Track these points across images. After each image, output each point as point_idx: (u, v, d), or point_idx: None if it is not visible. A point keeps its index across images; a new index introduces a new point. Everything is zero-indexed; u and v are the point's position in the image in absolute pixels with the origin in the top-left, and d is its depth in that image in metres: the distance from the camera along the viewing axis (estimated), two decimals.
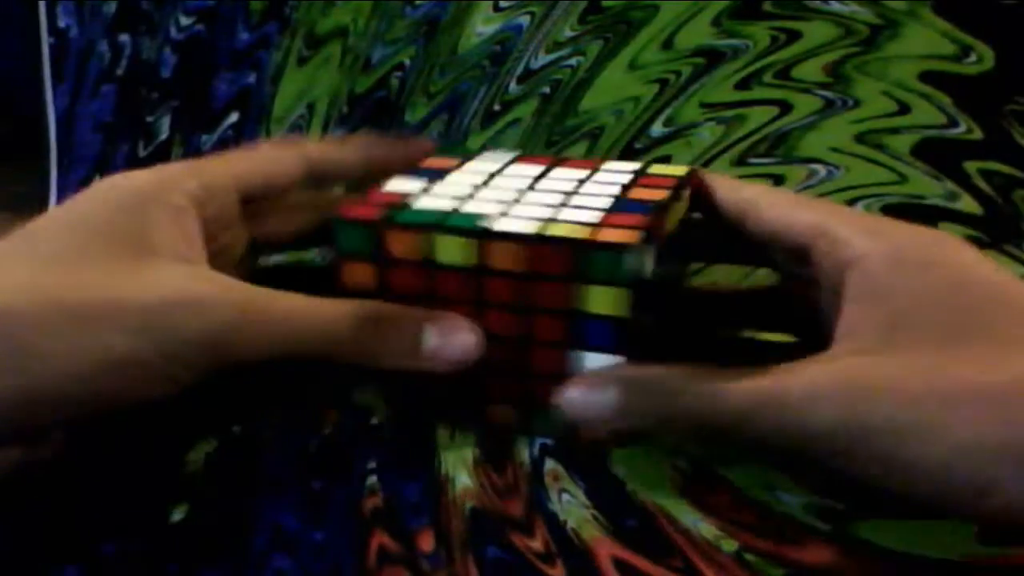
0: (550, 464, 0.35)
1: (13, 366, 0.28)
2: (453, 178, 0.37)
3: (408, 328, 0.32)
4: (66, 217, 0.32)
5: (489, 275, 0.32)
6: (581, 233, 0.32)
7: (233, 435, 0.38)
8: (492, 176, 0.37)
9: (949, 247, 0.31)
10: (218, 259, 0.34)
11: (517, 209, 0.34)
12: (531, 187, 0.36)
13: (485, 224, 0.32)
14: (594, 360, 0.32)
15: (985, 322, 0.29)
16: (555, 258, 0.31)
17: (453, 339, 0.32)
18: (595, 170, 0.38)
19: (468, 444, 0.36)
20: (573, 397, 0.31)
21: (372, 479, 0.34)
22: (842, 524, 0.32)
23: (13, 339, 0.28)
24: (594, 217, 0.33)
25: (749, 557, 0.30)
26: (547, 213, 0.33)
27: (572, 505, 0.32)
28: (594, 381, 0.32)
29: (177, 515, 0.33)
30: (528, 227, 0.32)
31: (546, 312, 0.32)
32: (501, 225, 0.32)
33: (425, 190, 0.35)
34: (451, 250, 0.32)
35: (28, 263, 0.30)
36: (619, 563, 0.30)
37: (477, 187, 0.36)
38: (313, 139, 0.40)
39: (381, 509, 0.32)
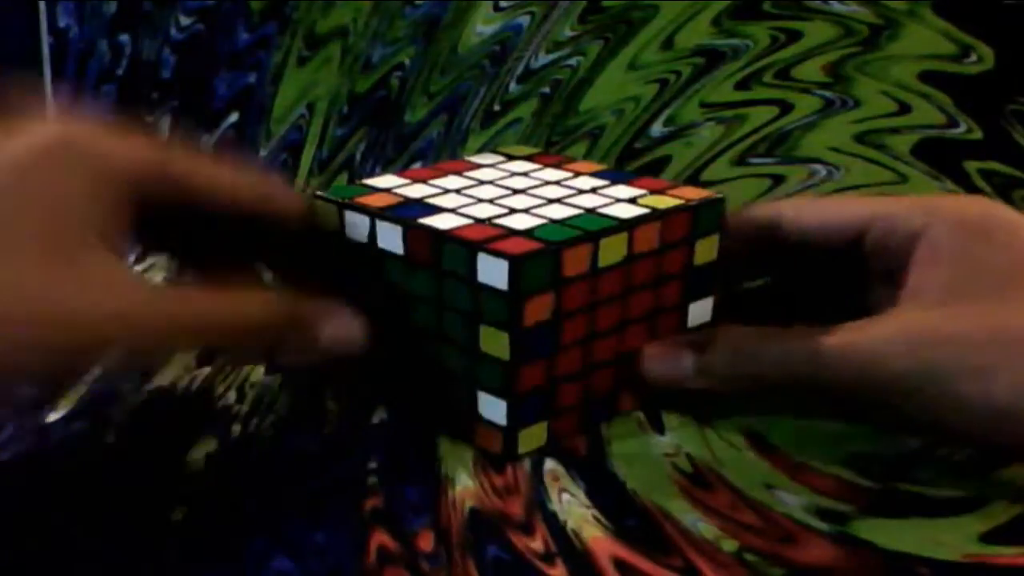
0: (550, 464, 0.35)
1: None
2: (484, 191, 0.38)
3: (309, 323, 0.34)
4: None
5: (635, 261, 0.35)
6: (694, 195, 0.37)
7: (233, 435, 0.38)
8: (507, 179, 0.39)
9: (1000, 212, 0.35)
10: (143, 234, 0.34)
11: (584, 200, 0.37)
12: (556, 184, 0.39)
13: (618, 217, 0.35)
14: (697, 309, 0.38)
15: None
16: (681, 223, 0.36)
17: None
18: (562, 168, 0.41)
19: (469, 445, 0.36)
20: (654, 361, 0.36)
21: (372, 479, 0.34)
22: (842, 524, 0.32)
23: None
24: (650, 189, 0.37)
25: (749, 557, 0.30)
26: (598, 199, 0.37)
27: (572, 505, 0.32)
28: (671, 345, 0.36)
29: (177, 515, 0.33)
30: (631, 210, 0.35)
31: (671, 277, 0.36)
32: (628, 213, 0.35)
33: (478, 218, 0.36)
34: (613, 249, 0.34)
35: None
36: (619, 563, 0.30)
37: (515, 192, 0.37)
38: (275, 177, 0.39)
39: (381, 509, 0.32)
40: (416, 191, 0.37)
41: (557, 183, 0.38)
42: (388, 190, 0.37)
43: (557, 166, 0.40)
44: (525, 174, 0.39)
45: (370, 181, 0.38)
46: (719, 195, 0.37)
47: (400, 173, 0.39)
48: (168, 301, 0.32)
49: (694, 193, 0.37)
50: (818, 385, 0.33)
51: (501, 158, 0.41)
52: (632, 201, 0.36)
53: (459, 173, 0.39)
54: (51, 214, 0.30)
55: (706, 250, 0.37)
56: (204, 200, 0.34)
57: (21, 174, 0.30)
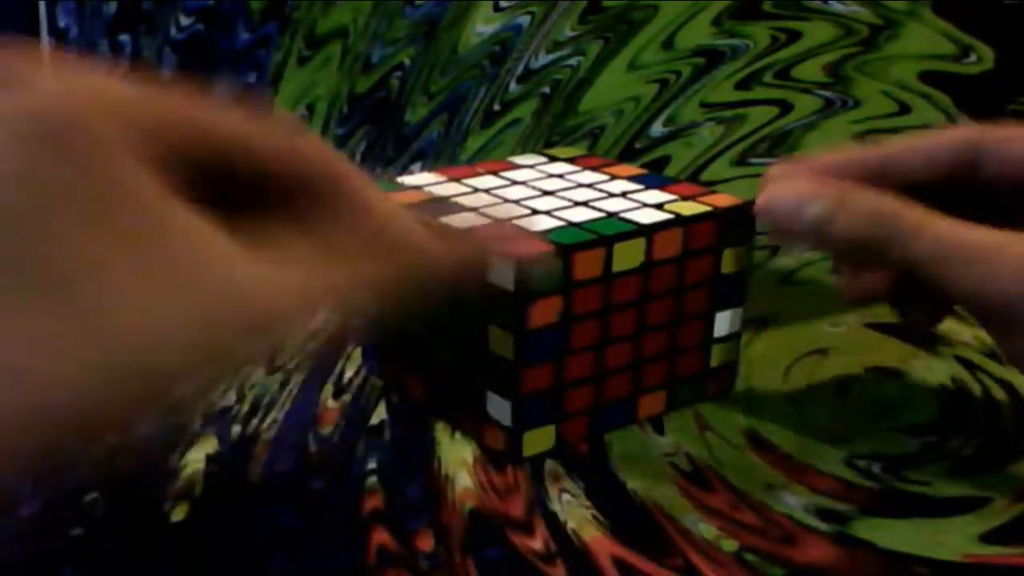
0: (550, 464, 0.35)
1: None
2: (502, 194, 0.37)
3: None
4: (10, 182, 0.21)
5: (654, 267, 0.35)
6: (725, 202, 0.36)
7: (233, 435, 0.38)
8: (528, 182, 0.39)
9: None
10: None
11: (607, 204, 0.36)
12: (585, 186, 0.38)
13: (637, 222, 0.34)
14: (724, 319, 0.37)
15: None
16: (706, 231, 0.35)
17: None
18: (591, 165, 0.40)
19: (469, 443, 0.36)
20: (777, 197, 0.32)
21: (372, 479, 0.34)
22: (842, 524, 0.32)
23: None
24: (681, 195, 0.37)
25: (749, 557, 0.30)
26: (623, 203, 0.36)
27: (572, 505, 0.32)
28: (806, 188, 0.32)
29: (177, 515, 0.33)
30: (653, 215, 0.35)
31: (695, 285, 0.36)
32: (649, 219, 0.35)
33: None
34: (629, 254, 0.34)
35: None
36: (619, 563, 0.30)
37: (533, 196, 0.37)
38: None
39: (381, 509, 0.32)
40: (447, 189, 0.37)
41: (589, 186, 0.38)
42: (420, 188, 0.37)
43: (596, 169, 0.40)
44: (561, 176, 0.39)
45: (407, 179, 0.39)
46: (750, 203, 0.36)
47: (439, 171, 0.40)
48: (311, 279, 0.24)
49: (726, 200, 0.36)
50: (930, 274, 0.31)
51: (543, 159, 0.41)
52: (658, 207, 0.36)
53: (496, 173, 0.39)
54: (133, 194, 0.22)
55: (735, 259, 0.37)
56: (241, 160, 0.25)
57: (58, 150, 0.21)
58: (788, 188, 0.33)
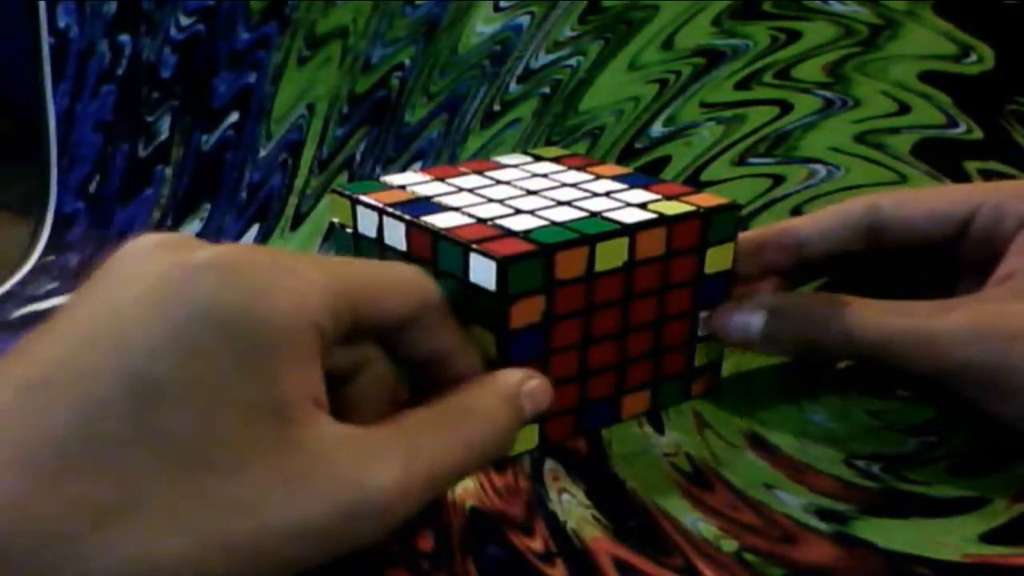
0: (550, 464, 0.35)
1: None
2: (487, 193, 0.37)
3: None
4: (186, 369, 0.22)
5: (637, 267, 0.35)
6: (709, 202, 0.36)
7: None
8: (513, 182, 0.39)
9: None
10: None
11: (593, 203, 0.36)
12: (571, 186, 0.38)
13: (620, 222, 0.34)
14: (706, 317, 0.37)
15: None
16: (690, 230, 0.35)
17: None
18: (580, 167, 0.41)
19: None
20: (725, 319, 0.36)
21: None
22: (842, 524, 0.32)
23: None
24: (665, 194, 0.37)
25: (749, 557, 0.30)
26: (607, 203, 0.36)
27: (572, 505, 0.32)
28: (743, 305, 0.36)
29: None
30: (637, 215, 0.35)
31: (679, 285, 0.36)
32: (632, 218, 0.35)
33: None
34: (612, 254, 0.34)
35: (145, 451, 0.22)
36: (619, 563, 0.30)
37: (518, 196, 0.37)
38: None
39: None
40: (430, 189, 0.37)
41: (573, 185, 0.38)
42: (403, 187, 0.37)
43: (581, 168, 0.40)
44: (545, 175, 0.39)
45: (391, 178, 0.38)
46: (734, 203, 0.36)
47: (424, 171, 0.40)
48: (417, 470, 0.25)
49: (710, 200, 0.36)
50: (883, 363, 0.33)
51: (528, 159, 0.41)
52: (642, 206, 0.36)
53: (480, 172, 0.39)
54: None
55: (719, 258, 0.37)
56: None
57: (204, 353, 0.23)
58: (731, 311, 0.36)
